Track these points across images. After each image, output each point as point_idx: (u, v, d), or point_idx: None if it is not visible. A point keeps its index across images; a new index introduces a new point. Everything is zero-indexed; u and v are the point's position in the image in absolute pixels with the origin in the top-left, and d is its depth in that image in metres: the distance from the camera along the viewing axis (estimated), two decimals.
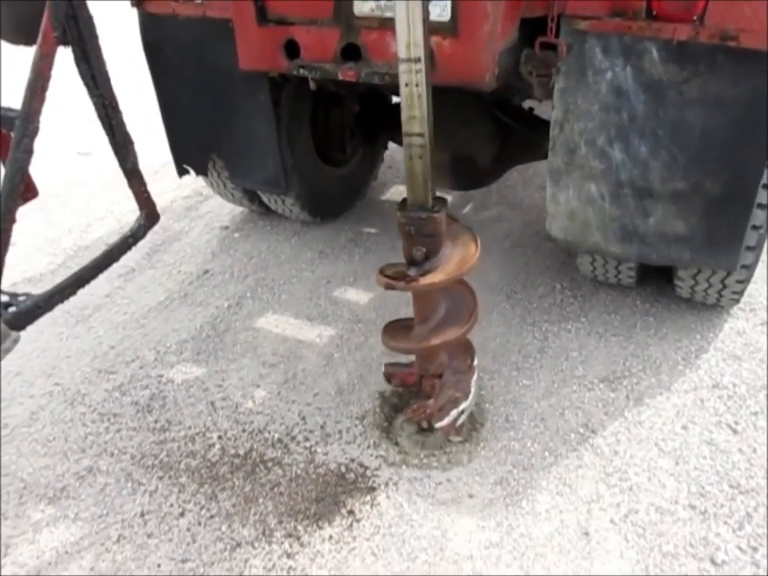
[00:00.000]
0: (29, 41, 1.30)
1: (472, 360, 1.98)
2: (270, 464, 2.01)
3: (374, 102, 3.05)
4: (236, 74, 2.37)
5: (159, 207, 3.57)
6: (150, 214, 1.56)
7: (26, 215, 3.54)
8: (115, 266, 3.01)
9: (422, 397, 1.97)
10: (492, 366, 2.34)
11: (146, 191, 1.55)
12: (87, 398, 2.30)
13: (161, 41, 2.66)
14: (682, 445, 2.00)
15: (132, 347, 2.53)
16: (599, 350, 2.39)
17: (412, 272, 1.73)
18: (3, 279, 2.69)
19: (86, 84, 1.34)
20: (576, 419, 2.11)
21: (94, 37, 1.31)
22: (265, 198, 3.14)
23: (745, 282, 2.27)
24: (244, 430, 2.13)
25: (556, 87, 2.02)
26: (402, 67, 1.53)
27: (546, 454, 2.00)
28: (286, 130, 2.76)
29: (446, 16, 1.85)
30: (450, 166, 2.87)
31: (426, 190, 1.68)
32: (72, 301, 2.80)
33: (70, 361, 2.47)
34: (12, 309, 1.31)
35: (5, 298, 1.35)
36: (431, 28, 1.85)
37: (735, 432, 2.03)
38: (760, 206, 2.05)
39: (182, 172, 2.99)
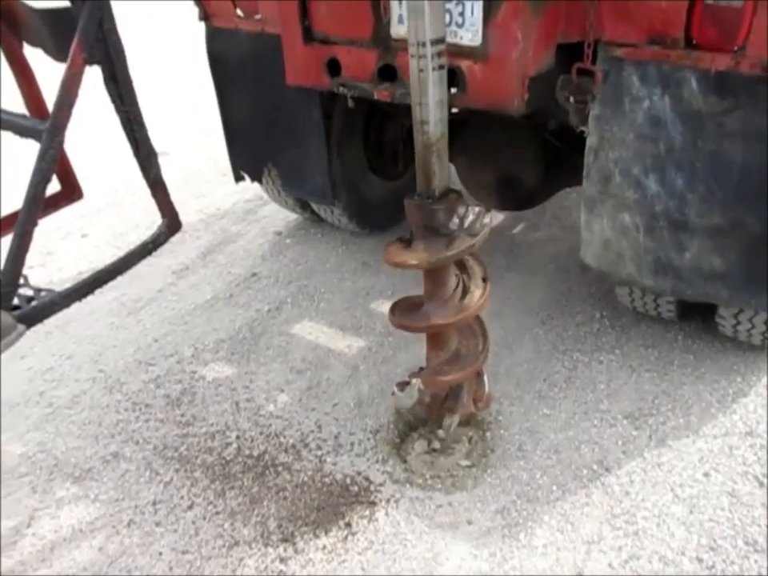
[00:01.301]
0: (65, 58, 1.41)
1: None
2: (280, 468, 2.07)
3: None
4: (290, 88, 2.46)
5: (222, 209, 3.81)
6: (171, 223, 1.65)
7: (101, 210, 3.86)
8: (171, 262, 3.26)
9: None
10: (514, 392, 2.31)
11: (169, 200, 1.65)
12: (125, 386, 2.44)
13: (224, 53, 2.80)
14: (701, 493, 1.91)
15: (173, 342, 2.67)
16: (629, 385, 2.31)
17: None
18: (72, 266, 2.88)
19: (113, 101, 1.45)
20: (591, 455, 2.05)
21: (122, 58, 1.41)
22: (315, 207, 3.22)
23: None
24: (261, 433, 2.20)
25: (591, 114, 1.98)
26: (412, 51, 1.51)
27: (554, 487, 1.95)
28: (337, 142, 2.83)
29: (477, 41, 1.86)
30: (496, 186, 2.87)
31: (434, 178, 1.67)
32: (128, 293, 3.03)
33: (116, 350, 2.64)
34: (33, 303, 1.43)
35: (30, 292, 1.47)
36: (463, 53, 1.88)
37: (761, 485, 1.91)
38: None
39: (238, 178, 3.13)
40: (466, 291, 1.88)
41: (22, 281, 1.45)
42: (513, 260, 3.11)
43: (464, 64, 1.90)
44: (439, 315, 1.83)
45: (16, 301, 1.41)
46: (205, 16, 2.77)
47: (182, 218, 3.63)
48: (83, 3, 1.32)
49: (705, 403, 2.21)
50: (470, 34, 1.86)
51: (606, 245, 2.16)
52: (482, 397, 2.05)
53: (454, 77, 1.94)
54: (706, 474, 1.96)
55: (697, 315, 2.49)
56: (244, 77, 2.77)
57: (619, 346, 2.49)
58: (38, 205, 1.35)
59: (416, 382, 1.94)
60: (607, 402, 2.24)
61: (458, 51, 1.90)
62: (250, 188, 3.76)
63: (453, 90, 1.95)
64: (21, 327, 1.32)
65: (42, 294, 1.46)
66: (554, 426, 2.16)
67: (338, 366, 2.49)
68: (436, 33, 1.48)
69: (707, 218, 1.94)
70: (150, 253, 1.67)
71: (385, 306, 2.80)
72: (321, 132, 2.71)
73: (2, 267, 1.40)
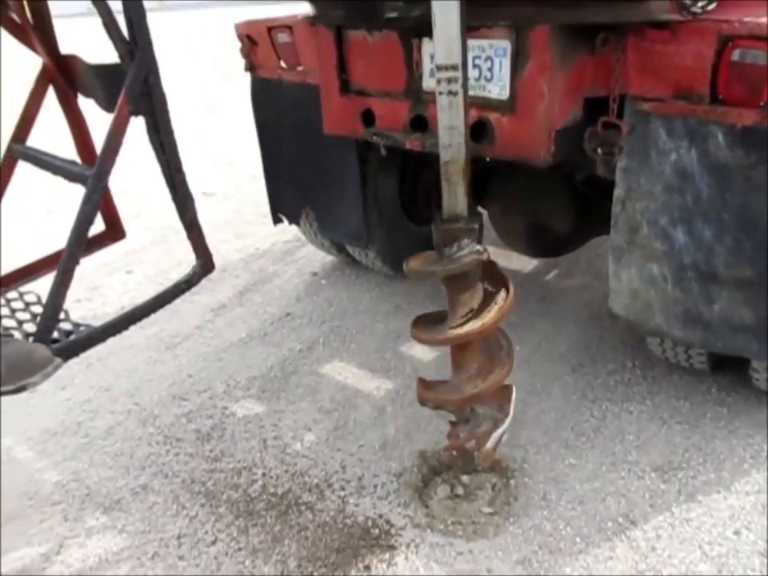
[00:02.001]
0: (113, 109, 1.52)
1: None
2: (303, 507, 2.09)
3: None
4: (328, 135, 2.56)
5: (261, 249, 3.92)
6: (205, 264, 1.73)
7: (146, 248, 4.02)
8: (210, 300, 3.36)
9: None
10: (541, 440, 2.29)
11: (204, 242, 1.73)
12: (158, 420, 2.51)
13: (267, 102, 2.95)
14: (730, 551, 1.84)
15: (207, 378, 2.74)
16: (659, 437, 2.26)
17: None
18: (116, 301, 2.99)
19: (155, 149, 1.55)
20: (617, 507, 2.01)
21: (165, 110, 1.51)
22: (350, 250, 3.30)
23: None
24: (287, 471, 2.23)
25: (618, 166, 2.01)
26: (440, 75, 1.53)
27: (578, 539, 1.92)
28: (372, 188, 2.92)
29: (505, 95, 1.93)
30: (528, 233, 2.90)
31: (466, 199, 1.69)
32: (167, 329, 3.14)
33: (152, 384, 2.72)
34: (71, 337, 1.51)
35: (69, 327, 1.56)
36: (491, 105, 1.94)
37: None
38: None
39: (276, 220, 3.25)
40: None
41: (62, 315, 1.53)
42: (545, 306, 3.12)
43: (492, 116, 1.96)
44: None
45: (56, 334, 1.50)
46: (251, 67, 2.93)
47: (223, 256, 3.81)
48: (131, 61, 1.43)
49: (737, 458, 2.15)
50: (497, 88, 1.93)
51: (634, 295, 2.16)
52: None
53: (483, 128, 2.00)
54: (737, 532, 1.90)
55: (731, 367, 2.44)
56: (285, 124, 2.90)
57: (650, 397, 2.46)
58: (81, 245, 1.44)
59: None
60: (636, 454, 2.20)
61: (486, 104, 1.96)
62: (289, 230, 3.88)
63: (482, 142, 2.01)
64: (58, 360, 1.39)
65: (81, 328, 1.55)
66: (580, 477, 2.13)
67: (366, 407, 2.51)
68: (445, 59, 1.50)
69: (736, 269, 1.93)
70: (183, 292, 1.75)
71: (414, 350, 2.84)
72: (357, 178, 2.80)
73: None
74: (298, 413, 2.51)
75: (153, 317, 3.15)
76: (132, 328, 3.05)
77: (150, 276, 3.62)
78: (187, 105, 7.24)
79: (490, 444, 1.89)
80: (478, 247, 1.72)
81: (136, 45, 1.42)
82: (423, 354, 2.80)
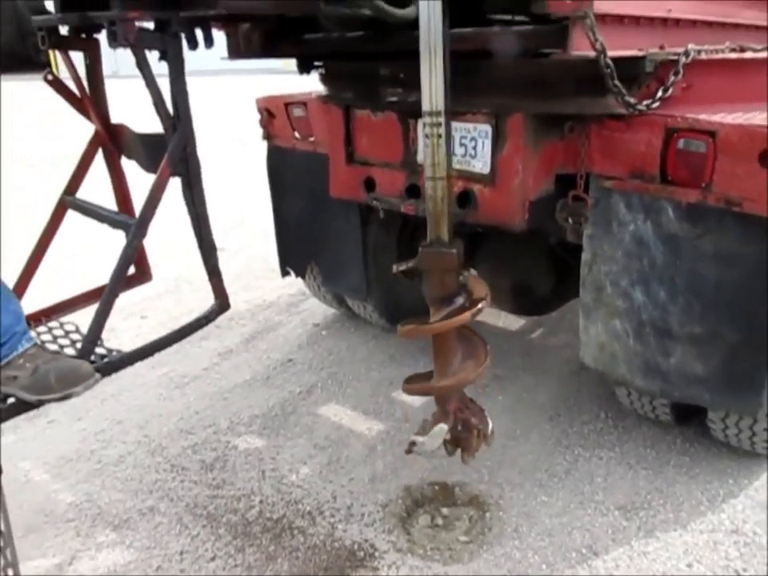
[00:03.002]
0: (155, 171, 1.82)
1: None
2: (295, 531, 2.28)
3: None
4: (334, 198, 2.87)
5: (268, 301, 4.20)
6: (222, 304, 2.00)
7: (161, 295, 4.30)
8: (218, 345, 3.61)
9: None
10: (517, 479, 2.50)
11: (222, 286, 2.00)
12: (166, 450, 2.73)
13: (280, 167, 3.28)
14: None
15: (212, 415, 2.97)
16: (624, 480, 2.47)
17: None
18: (130, 343, 3.23)
19: (187, 204, 1.84)
20: (582, 540, 2.20)
21: (198, 172, 1.81)
22: (350, 303, 3.57)
23: None
24: (282, 499, 2.43)
25: (585, 233, 2.29)
26: (427, 120, 1.74)
27: (544, 566, 2.11)
28: (372, 246, 3.21)
29: (487, 170, 2.24)
30: (512, 293, 3.17)
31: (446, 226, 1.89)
32: (177, 369, 3.38)
33: (161, 418, 2.95)
34: (106, 359, 1.77)
35: (104, 351, 1.82)
36: (475, 178, 2.26)
37: None
38: None
39: (284, 273, 3.54)
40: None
41: (99, 342, 1.79)
42: (529, 361, 3.36)
43: (476, 187, 2.27)
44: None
45: (92, 357, 1.75)
46: (268, 136, 3.28)
47: (232, 307, 4.06)
48: (173, 132, 1.74)
49: (695, 501, 2.35)
50: (480, 164, 2.24)
51: (601, 347, 2.41)
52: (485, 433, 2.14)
53: (468, 197, 2.31)
54: (689, 565, 2.09)
55: (695, 420, 2.66)
56: (296, 187, 3.22)
57: (619, 445, 2.67)
58: (121, 282, 1.71)
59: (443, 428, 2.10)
60: (602, 494, 2.40)
61: (471, 177, 2.28)
62: (294, 284, 4.17)
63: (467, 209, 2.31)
64: (97, 375, 1.64)
65: (113, 353, 1.80)
66: (550, 512, 2.33)
67: (358, 445, 2.73)
68: (433, 107, 1.72)
69: (688, 327, 2.19)
70: (201, 327, 2.01)
71: (405, 396, 3.06)
72: (358, 237, 3.10)
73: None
74: (294, 448, 2.72)
75: (164, 358, 3.45)
76: (144, 368, 3.34)
77: (162, 322, 3.88)
78: (206, 165, 7.68)
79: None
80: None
81: (179, 119, 1.73)
82: (413, 399, 3.02)
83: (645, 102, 1.93)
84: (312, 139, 3.04)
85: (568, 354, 3.39)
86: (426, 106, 1.73)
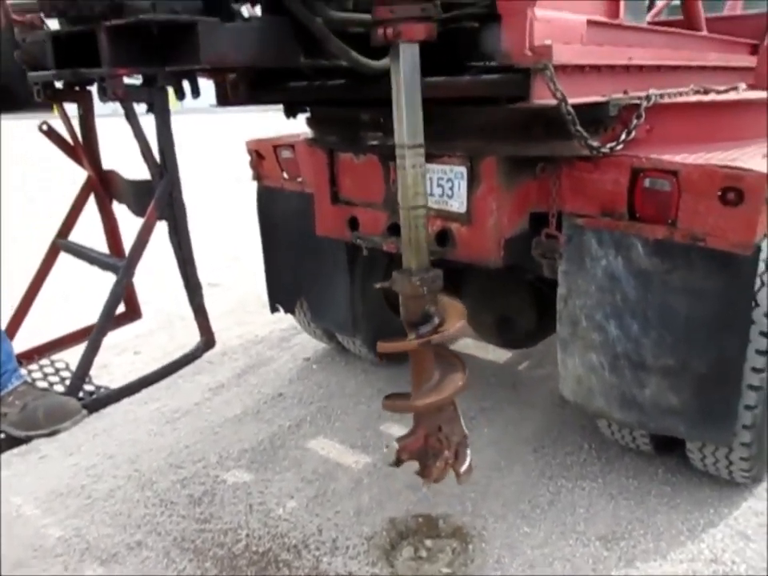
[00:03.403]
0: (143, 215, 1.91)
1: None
2: (281, 564, 2.31)
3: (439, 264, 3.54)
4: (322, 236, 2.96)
5: (260, 336, 4.26)
6: (207, 341, 2.07)
7: (154, 331, 4.37)
8: (209, 380, 3.67)
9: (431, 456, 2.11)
10: (500, 510, 2.54)
11: (208, 323, 2.07)
12: (155, 485, 2.77)
13: (270, 206, 3.39)
14: None
15: (202, 449, 3.01)
16: (606, 511, 2.51)
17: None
18: (123, 379, 3.29)
19: (173, 246, 1.92)
20: (563, 570, 2.24)
21: (184, 217, 1.90)
22: (339, 338, 3.64)
23: (750, 459, 2.35)
24: (268, 533, 2.47)
25: (560, 269, 2.38)
26: (408, 153, 1.79)
27: None
28: (359, 282, 3.29)
29: (463, 209, 2.33)
30: (496, 326, 3.25)
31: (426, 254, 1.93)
32: (169, 404, 3.43)
33: (152, 453, 2.99)
34: (93, 396, 1.83)
35: (92, 388, 1.88)
36: (452, 217, 2.35)
37: None
38: (751, 387, 2.20)
39: (273, 309, 3.61)
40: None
41: (87, 379, 1.86)
42: (515, 394, 3.41)
43: (453, 226, 2.36)
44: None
45: (81, 394, 1.82)
46: (258, 177, 3.40)
47: (224, 342, 4.15)
48: (160, 179, 1.83)
49: (675, 530, 2.39)
50: (457, 204, 2.33)
51: (579, 380, 2.47)
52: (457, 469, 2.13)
53: (446, 235, 2.40)
54: None
55: (678, 450, 2.71)
56: (284, 225, 3.32)
57: (602, 475, 2.71)
58: (110, 321, 1.79)
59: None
60: (584, 525, 2.44)
61: (448, 216, 2.37)
62: (286, 319, 4.23)
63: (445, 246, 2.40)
64: (84, 411, 1.70)
65: (102, 389, 1.87)
66: (532, 543, 2.36)
67: (344, 478, 2.77)
68: (412, 140, 1.77)
69: (660, 359, 2.25)
70: (188, 364, 2.08)
71: (393, 429, 3.11)
72: (345, 273, 3.18)
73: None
74: (282, 482, 2.76)
75: (156, 393, 3.51)
76: (136, 403, 3.39)
77: (155, 357, 3.94)
78: (202, 202, 7.84)
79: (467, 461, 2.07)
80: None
81: (165, 167, 1.83)
82: (400, 432, 3.06)
83: (608, 145, 2.03)
84: (300, 180, 3.14)
85: (554, 386, 3.41)
86: (397, 140, 1.81)
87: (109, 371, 3.82)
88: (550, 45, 1.72)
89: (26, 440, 1.68)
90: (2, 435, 1.68)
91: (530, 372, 3.64)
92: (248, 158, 3.40)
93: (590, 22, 1.97)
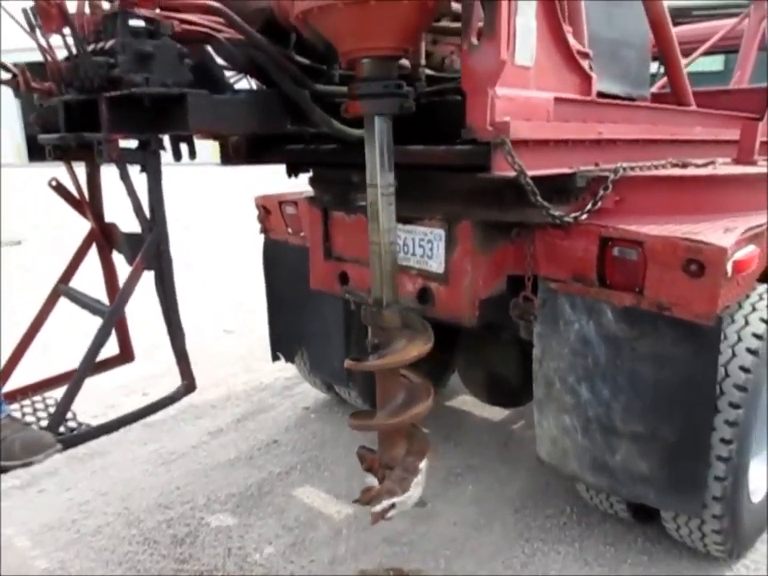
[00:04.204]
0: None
1: (419, 461, 2.21)
2: None
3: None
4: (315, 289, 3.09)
5: (264, 383, 4.37)
6: (188, 385, 2.18)
7: (164, 373, 4.52)
8: (210, 424, 3.78)
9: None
10: (472, 568, 2.55)
11: (189, 368, 2.19)
12: (142, 524, 2.85)
13: (275, 258, 3.54)
14: None
15: (192, 491, 3.10)
16: None
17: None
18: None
19: (158, 295, 2.06)
20: None
21: (170, 268, 2.04)
22: (337, 388, 3.73)
23: (723, 532, 2.33)
24: None
25: (535, 331, 2.44)
26: (369, 191, 1.98)
27: None
28: (355, 335, 3.39)
29: (441, 269, 2.43)
30: (487, 385, 3.30)
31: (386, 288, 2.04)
32: (167, 446, 3.54)
33: (143, 492, 3.09)
34: (74, 432, 1.95)
35: (74, 424, 2.00)
36: (431, 277, 2.45)
37: None
38: (720, 458, 2.21)
39: (275, 357, 3.72)
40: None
41: (70, 415, 1.98)
42: (505, 452, 3.43)
43: (432, 285, 2.46)
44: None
45: (62, 429, 1.94)
46: (264, 230, 3.57)
47: (230, 387, 4.27)
48: (149, 233, 1.99)
49: None
50: (436, 264, 2.44)
51: (554, 442, 2.50)
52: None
53: (426, 293, 2.50)
54: None
55: (657, 520, 2.68)
56: (287, 277, 3.46)
57: (580, 540, 2.70)
58: (91, 364, 1.92)
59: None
60: None
61: (428, 275, 2.47)
62: (292, 368, 4.33)
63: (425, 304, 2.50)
64: (58, 446, 1.82)
65: (82, 426, 1.99)
66: None
67: (324, 528, 2.81)
68: (386, 182, 1.95)
69: (630, 425, 2.28)
70: (167, 406, 2.19)
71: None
72: (341, 326, 3.29)
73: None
74: (263, 528, 2.82)
75: (157, 435, 3.63)
76: (136, 443, 3.51)
77: None
78: (225, 251, 8.12)
79: (378, 508, 2.14)
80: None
81: (154, 222, 1.99)
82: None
83: (573, 214, 2.12)
84: (302, 234, 3.30)
85: None
86: (368, 180, 1.98)
87: (116, 411, 3.94)
88: (507, 121, 1.84)
89: (3, 470, 1.79)
90: None
91: (523, 432, 3.65)
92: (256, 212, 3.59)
93: (557, 99, 2.09)
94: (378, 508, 2.17)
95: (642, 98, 3.21)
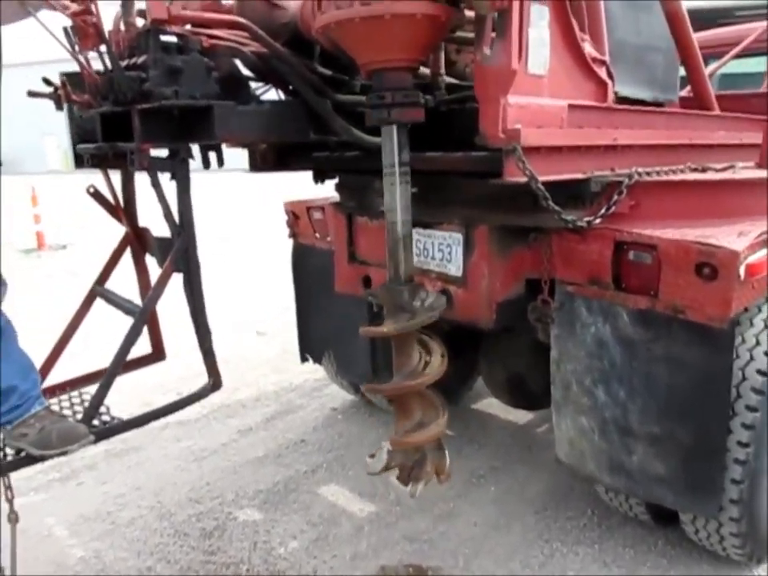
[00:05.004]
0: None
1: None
2: None
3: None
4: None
5: (294, 384, 4.48)
6: (215, 382, 2.29)
7: (199, 374, 4.63)
8: (239, 423, 3.90)
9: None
10: (490, 567, 2.59)
11: (216, 366, 2.30)
12: (173, 517, 2.97)
13: (303, 262, 3.65)
14: None
15: (221, 487, 3.21)
16: None
17: None
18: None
19: (186, 296, 2.17)
20: None
21: (197, 269, 2.15)
22: (363, 390, 3.80)
23: (741, 536, 2.32)
24: (267, 569, 2.61)
25: (552, 334, 2.48)
26: (387, 171, 2.03)
27: None
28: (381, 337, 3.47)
29: (460, 273, 2.49)
30: (509, 388, 3.33)
31: (403, 268, 2.09)
32: (198, 443, 3.66)
33: (176, 486, 3.21)
34: (106, 425, 2.07)
35: (108, 418, 2.13)
36: (450, 280, 2.51)
37: None
38: (737, 461, 2.21)
39: (303, 359, 3.82)
40: (426, 365, 2.25)
41: (104, 409, 2.11)
42: (529, 455, 3.46)
43: (451, 288, 2.52)
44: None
45: (96, 422, 2.06)
46: (293, 235, 3.67)
47: (260, 388, 4.38)
48: (178, 237, 2.10)
49: None
50: (454, 268, 2.50)
51: (572, 443, 2.53)
52: (443, 469, 2.29)
53: (445, 296, 2.55)
54: None
55: (677, 523, 2.69)
56: (315, 280, 3.56)
57: (599, 542, 2.72)
58: (122, 361, 2.04)
59: (385, 445, 2.30)
60: None
61: (447, 279, 2.53)
62: (320, 369, 4.43)
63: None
64: (91, 437, 1.94)
65: (114, 420, 2.11)
66: None
67: (347, 525, 2.89)
68: (385, 162, 2.01)
69: (646, 426, 2.30)
70: (193, 403, 2.31)
71: None
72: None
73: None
74: (289, 523, 2.91)
75: (190, 432, 3.76)
76: (170, 440, 3.65)
77: None
78: (259, 255, 8.30)
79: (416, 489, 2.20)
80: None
81: (183, 227, 2.10)
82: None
83: (586, 219, 2.16)
84: (329, 239, 3.39)
85: None
86: (385, 163, 2.03)
87: (151, 408, 4.11)
88: (518, 129, 1.89)
89: (41, 459, 1.92)
90: (23, 453, 1.93)
91: (547, 435, 3.66)
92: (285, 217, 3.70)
93: (571, 106, 2.13)
94: (417, 489, 2.23)
95: (671, 103, 3.22)
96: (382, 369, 3.46)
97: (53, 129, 29.27)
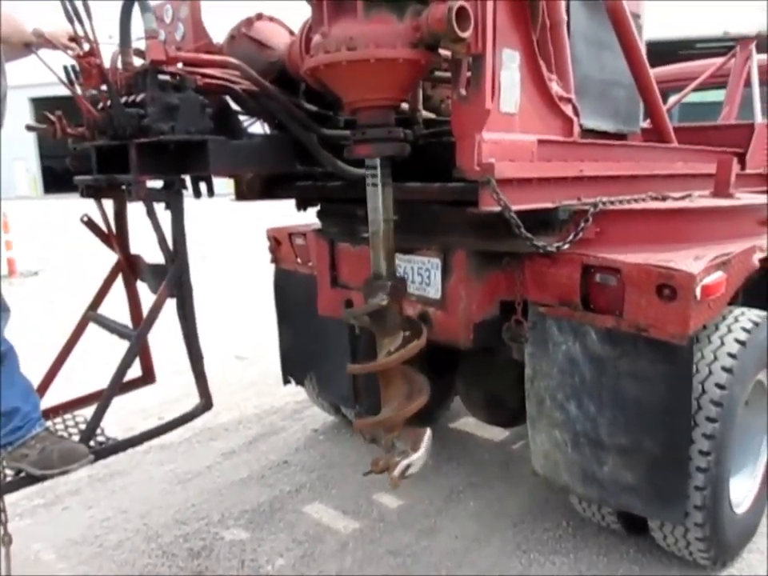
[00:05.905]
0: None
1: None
2: None
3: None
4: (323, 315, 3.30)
5: (275, 407, 4.56)
6: (206, 403, 2.38)
7: (179, 399, 4.72)
8: (223, 446, 3.96)
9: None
10: None
11: (207, 387, 2.39)
12: (161, 538, 3.02)
13: (285, 287, 3.76)
14: None
15: (207, 508, 3.27)
16: None
17: None
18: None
19: (180, 320, 2.28)
20: None
21: (190, 296, 2.26)
22: (344, 411, 3.90)
23: (706, 540, 2.47)
24: None
25: (526, 352, 2.63)
26: (369, 171, 2.15)
27: None
28: (361, 359, 3.58)
29: (438, 295, 2.63)
30: (486, 405, 3.47)
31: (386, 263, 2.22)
32: (182, 466, 3.72)
33: (161, 509, 3.26)
34: (102, 445, 2.15)
35: (104, 439, 2.20)
36: (429, 302, 2.65)
37: None
38: (699, 468, 2.37)
39: (286, 381, 3.92)
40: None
41: (99, 430, 2.18)
42: (505, 471, 3.58)
43: (430, 310, 2.66)
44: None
45: (92, 443, 2.14)
46: (275, 260, 3.79)
47: (242, 411, 4.46)
48: (172, 264, 2.21)
49: None
50: (433, 290, 2.64)
51: (546, 456, 2.67)
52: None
53: (424, 318, 2.69)
54: None
55: (648, 532, 2.83)
56: (296, 304, 3.67)
57: (575, 552, 2.85)
58: (119, 383, 2.13)
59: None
60: None
61: (426, 301, 2.67)
62: (301, 392, 4.52)
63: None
64: (91, 456, 2.02)
65: (110, 440, 2.19)
66: None
67: (331, 541, 2.97)
68: (369, 163, 2.12)
69: (616, 438, 2.45)
70: (186, 422, 2.40)
71: (384, 498, 3.32)
72: (347, 349, 3.48)
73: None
74: (275, 541, 2.99)
75: (173, 456, 3.81)
76: (154, 464, 3.70)
77: None
78: (241, 280, 8.38)
79: (396, 471, 2.24)
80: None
81: (176, 254, 2.21)
82: (390, 501, 3.28)
83: (556, 244, 2.32)
84: (310, 264, 3.51)
85: None
86: (367, 163, 2.16)
87: (133, 433, 4.14)
88: (492, 162, 2.05)
89: (42, 478, 1.99)
90: (23, 473, 2.00)
91: (523, 451, 3.79)
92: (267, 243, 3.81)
93: (540, 141, 2.31)
94: (397, 472, 2.25)
95: (633, 134, 3.44)
96: (362, 390, 3.58)
97: (22, 153, 29.02)
